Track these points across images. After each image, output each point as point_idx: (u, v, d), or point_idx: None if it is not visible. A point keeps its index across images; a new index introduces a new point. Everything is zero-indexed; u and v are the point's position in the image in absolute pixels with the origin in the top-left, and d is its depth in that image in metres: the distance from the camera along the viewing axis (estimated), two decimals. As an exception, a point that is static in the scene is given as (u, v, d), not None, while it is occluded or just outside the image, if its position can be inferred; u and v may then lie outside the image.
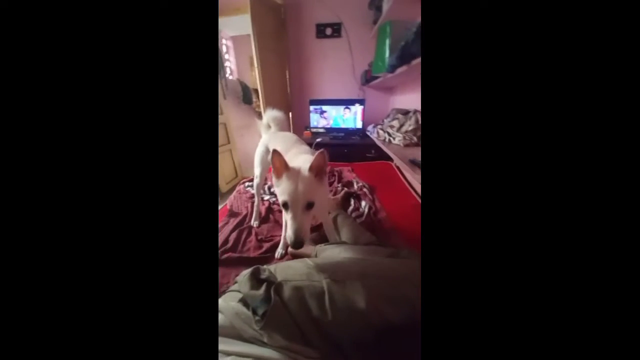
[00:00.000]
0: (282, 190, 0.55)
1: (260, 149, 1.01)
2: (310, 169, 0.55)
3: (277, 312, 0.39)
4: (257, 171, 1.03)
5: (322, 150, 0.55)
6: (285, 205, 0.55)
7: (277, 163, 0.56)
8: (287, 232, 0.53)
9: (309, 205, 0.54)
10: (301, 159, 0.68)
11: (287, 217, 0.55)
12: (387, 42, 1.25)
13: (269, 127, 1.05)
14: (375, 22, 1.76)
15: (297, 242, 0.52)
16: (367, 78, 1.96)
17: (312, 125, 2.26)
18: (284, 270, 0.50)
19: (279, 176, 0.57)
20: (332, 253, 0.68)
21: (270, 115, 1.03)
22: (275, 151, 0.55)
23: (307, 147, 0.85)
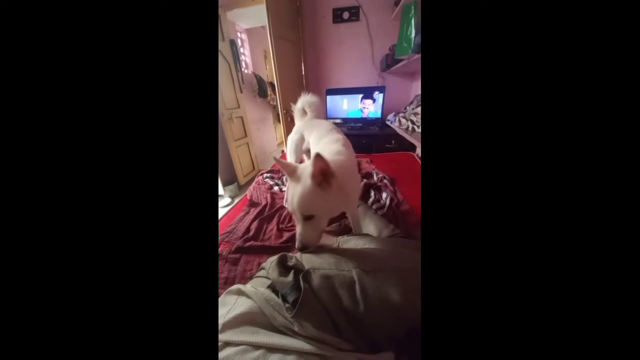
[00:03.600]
0: (286, 195, 0.54)
1: (294, 136, 0.95)
2: (313, 176, 0.49)
3: (308, 301, 0.38)
4: (290, 159, 0.98)
5: (316, 153, 0.45)
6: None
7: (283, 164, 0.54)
8: (296, 234, 0.52)
9: (308, 218, 0.52)
10: (329, 149, 0.64)
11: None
12: (413, 21, 1.17)
13: (304, 112, 1.00)
14: (396, 4, 1.66)
15: (302, 248, 0.51)
16: (388, 63, 1.86)
17: (328, 115, 2.20)
18: (311, 258, 0.48)
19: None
20: (356, 244, 0.65)
21: (305, 100, 0.97)
22: (276, 159, 0.54)
23: (339, 136, 0.81)
